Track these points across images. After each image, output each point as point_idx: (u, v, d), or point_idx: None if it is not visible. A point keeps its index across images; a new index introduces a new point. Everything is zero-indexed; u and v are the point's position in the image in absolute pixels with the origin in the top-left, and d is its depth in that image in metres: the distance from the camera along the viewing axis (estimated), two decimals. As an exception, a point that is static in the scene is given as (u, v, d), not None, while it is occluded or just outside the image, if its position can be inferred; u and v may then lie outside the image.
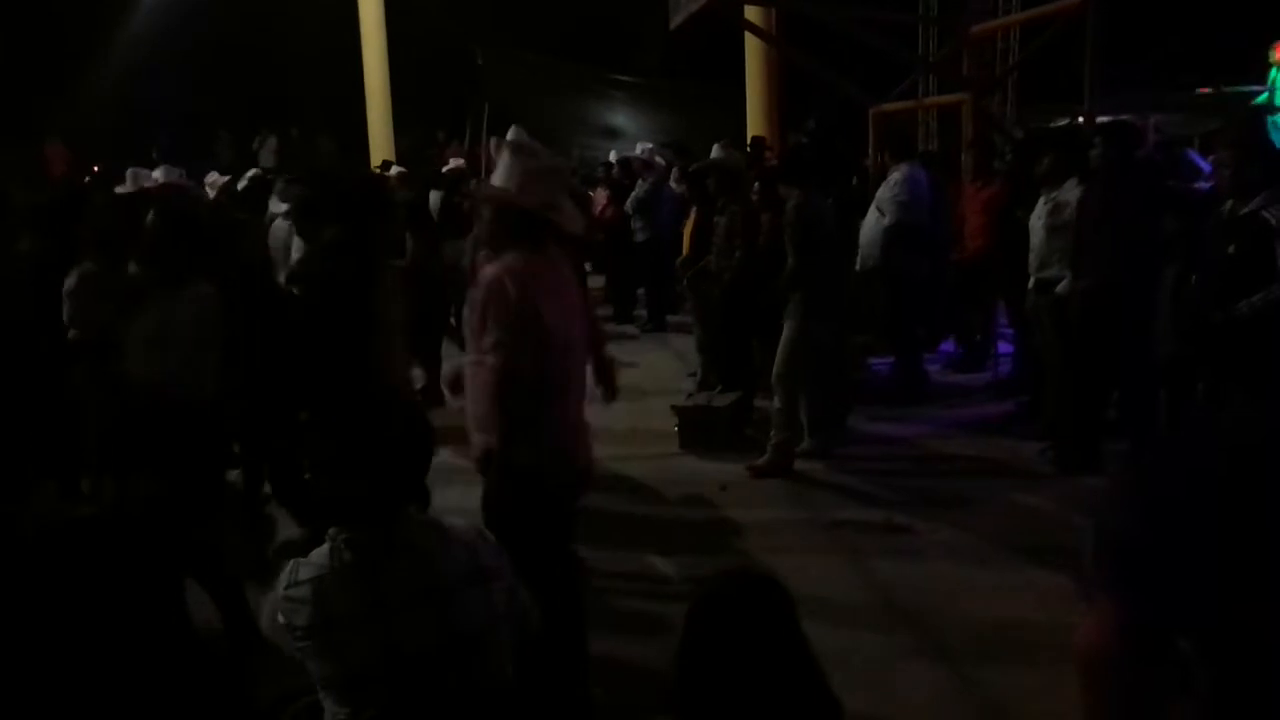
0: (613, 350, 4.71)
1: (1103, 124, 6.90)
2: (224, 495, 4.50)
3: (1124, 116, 7.06)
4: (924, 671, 3.74)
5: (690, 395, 7.01)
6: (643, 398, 6.80)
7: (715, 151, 6.95)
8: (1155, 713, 0.65)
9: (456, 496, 3.61)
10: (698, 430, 6.45)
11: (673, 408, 6.67)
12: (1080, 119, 8.65)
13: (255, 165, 14.46)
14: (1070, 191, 5.70)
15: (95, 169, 12.41)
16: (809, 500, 5.52)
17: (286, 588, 2.19)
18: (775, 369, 5.86)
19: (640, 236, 10.26)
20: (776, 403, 5.91)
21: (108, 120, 15.81)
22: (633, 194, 10.47)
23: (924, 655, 3.85)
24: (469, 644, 2.21)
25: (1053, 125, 10.96)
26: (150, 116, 16.64)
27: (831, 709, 1.97)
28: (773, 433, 5.92)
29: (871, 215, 7.19)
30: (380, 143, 16.00)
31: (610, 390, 3.78)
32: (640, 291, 10.89)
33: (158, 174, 8.96)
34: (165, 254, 4.26)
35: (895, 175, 7.17)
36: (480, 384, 3.18)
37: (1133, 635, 0.68)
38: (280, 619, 2.19)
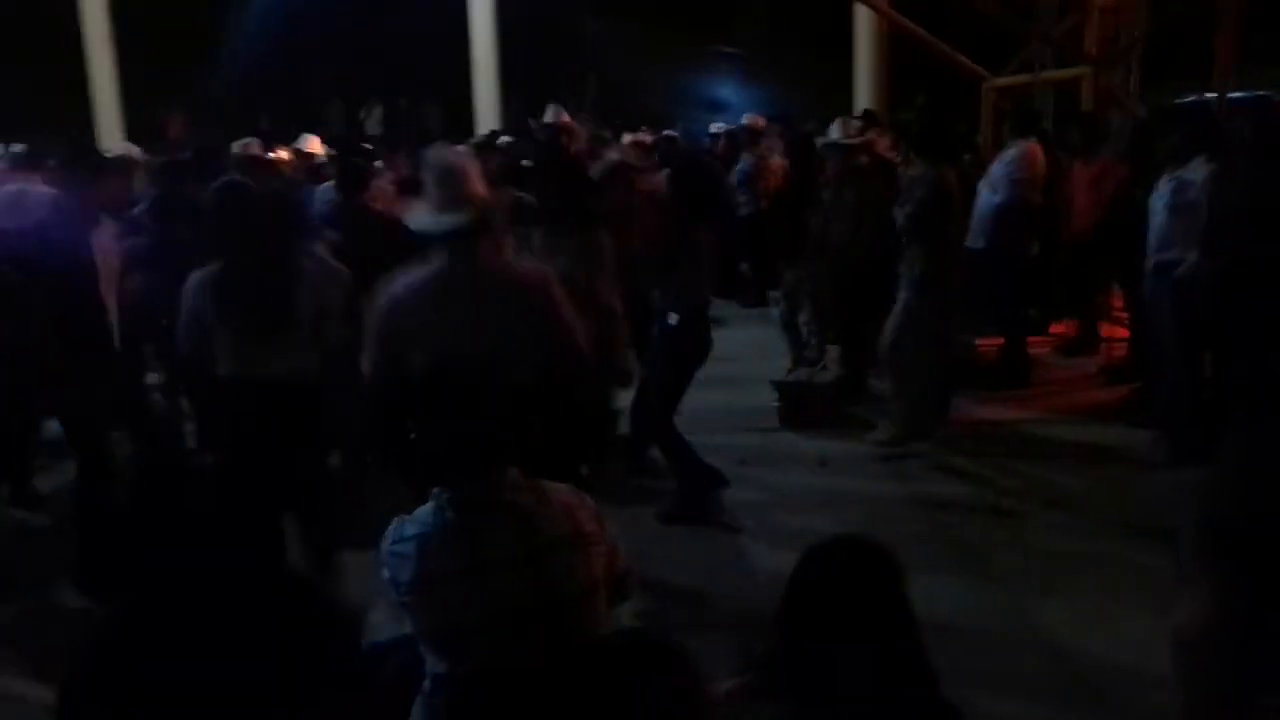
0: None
1: (1237, 99, 6.55)
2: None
3: (1261, 93, 6.69)
4: (1028, 657, 3.67)
5: (790, 371, 6.94)
6: (743, 373, 6.77)
7: (834, 128, 6.79)
8: (1249, 696, 0.62)
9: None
10: (797, 407, 6.39)
11: (772, 383, 6.62)
12: (1211, 95, 8.23)
13: (363, 134, 14.74)
14: (1196, 170, 5.42)
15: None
16: (912, 480, 5.42)
17: (392, 544, 2.24)
18: (886, 345, 5.76)
19: (744, 211, 10.14)
20: (888, 380, 5.83)
21: (224, 89, 16.26)
22: (737, 166, 10.34)
23: (1026, 643, 3.77)
24: (566, 604, 2.23)
25: (1178, 101, 10.46)
26: (262, 86, 17.04)
27: (930, 679, 1.91)
28: (890, 408, 5.86)
29: (984, 192, 6.99)
30: (487, 112, 16.09)
31: None
32: (744, 267, 10.75)
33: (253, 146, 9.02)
34: None
35: (1011, 151, 6.94)
36: None
37: (1229, 619, 0.64)
38: (385, 574, 2.25)
